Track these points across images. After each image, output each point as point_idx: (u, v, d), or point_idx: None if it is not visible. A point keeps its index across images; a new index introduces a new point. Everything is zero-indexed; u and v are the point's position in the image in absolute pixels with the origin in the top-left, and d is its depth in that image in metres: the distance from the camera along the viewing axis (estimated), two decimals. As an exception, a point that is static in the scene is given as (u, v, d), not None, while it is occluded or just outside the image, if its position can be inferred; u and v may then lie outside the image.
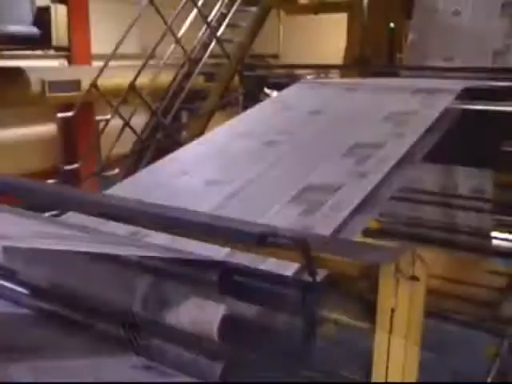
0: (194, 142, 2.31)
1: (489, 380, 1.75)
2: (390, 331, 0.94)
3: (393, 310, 0.93)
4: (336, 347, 1.06)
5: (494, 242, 3.20)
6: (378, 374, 0.95)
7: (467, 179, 3.25)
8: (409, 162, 1.93)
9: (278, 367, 1.12)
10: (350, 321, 1.03)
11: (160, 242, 1.37)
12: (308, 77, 3.49)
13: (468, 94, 2.56)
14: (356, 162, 1.86)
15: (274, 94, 3.10)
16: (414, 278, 0.95)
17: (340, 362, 1.05)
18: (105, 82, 5.12)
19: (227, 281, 1.18)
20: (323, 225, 1.48)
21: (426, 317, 2.16)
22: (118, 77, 5.61)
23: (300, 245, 0.96)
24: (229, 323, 1.18)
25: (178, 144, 2.35)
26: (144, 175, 2.07)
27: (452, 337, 2.20)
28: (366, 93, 2.73)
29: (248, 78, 3.29)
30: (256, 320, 1.17)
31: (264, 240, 1.02)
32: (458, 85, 2.59)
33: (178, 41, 5.25)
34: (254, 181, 1.81)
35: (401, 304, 0.93)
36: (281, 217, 1.55)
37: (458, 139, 2.79)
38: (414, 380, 1.02)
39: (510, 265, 2.74)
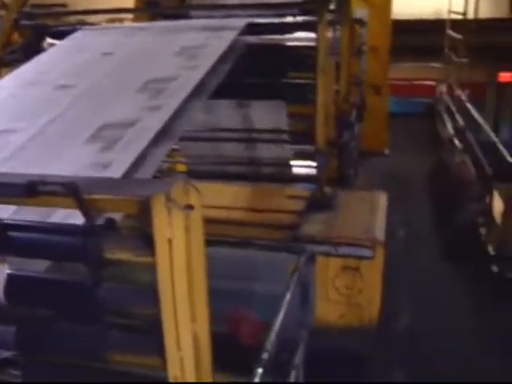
0: None
1: (288, 294, 1.88)
2: (171, 261, 0.95)
3: (170, 241, 0.94)
4: (125, 287, 1.07)
5: (294, 169, 3.39)
6: (165, 306, 0.97)
7: (263, 113, 3.36)
8: (202, 93, 1.98)
9: (71, 318, 1.10)
10: (135, 259, 1.04)
11: None
12: (103, 24, 3.33)
13: (253, 30, 2.64)
14: (150, 96, 1.87)
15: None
16: (189, 207, 0.97)
17: (131, 301, 1.05)
18: None
19: (8, 239, 1.12)
20: (121, 160, 1.47)
21: (231, 246, 2.25)
22: None
23: (70, 190, 0.93)
24: (16, 282, 1.12)
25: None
26: None
27: (257, 262, 2.32)
28: (156, 33, 2.71)
29: (27, 29, 3.05)
30: (43, 275, 1.13)
31: (34, 190, 0.97)
32: (242, 21, 2.66)
33: None
34: (48, 126, 1.74)
35: (177, 234, 0.95)
36: (79, 157, 1.51)
37: (249, 74, 2.89)
38: (204, 305, 1.05)
39: (308, 189, 2.92)
